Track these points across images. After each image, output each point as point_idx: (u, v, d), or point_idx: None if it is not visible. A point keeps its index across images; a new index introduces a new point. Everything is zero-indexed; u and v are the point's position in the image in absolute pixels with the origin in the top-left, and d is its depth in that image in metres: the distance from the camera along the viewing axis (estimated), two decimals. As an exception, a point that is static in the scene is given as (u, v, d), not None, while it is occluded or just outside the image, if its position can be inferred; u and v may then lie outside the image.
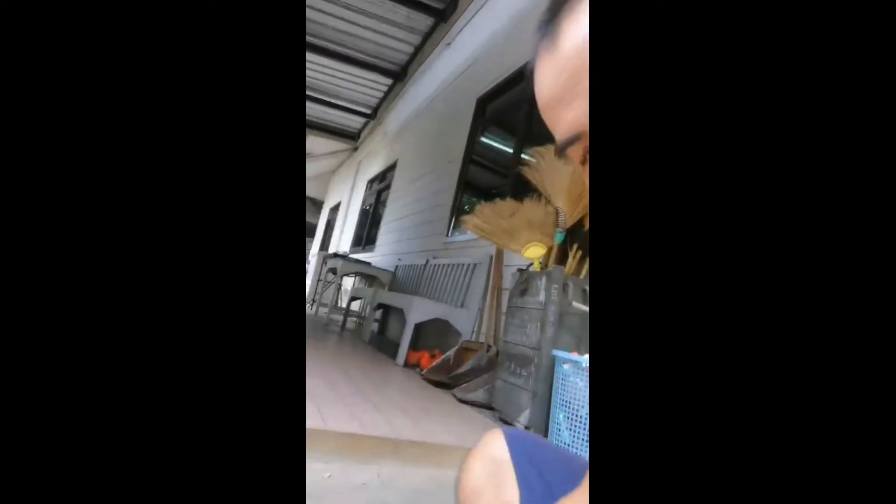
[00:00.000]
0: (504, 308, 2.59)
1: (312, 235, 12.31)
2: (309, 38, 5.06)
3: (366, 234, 7.18)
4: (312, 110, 7.12)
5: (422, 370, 2.90)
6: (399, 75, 5.79)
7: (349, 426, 1.50)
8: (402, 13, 4.77)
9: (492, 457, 0.49)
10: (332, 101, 6.72)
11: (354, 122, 7.58)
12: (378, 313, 4.46)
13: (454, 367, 2.69)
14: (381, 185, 7.01)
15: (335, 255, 5.63)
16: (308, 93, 6.45)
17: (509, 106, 3.94)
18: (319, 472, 1.34)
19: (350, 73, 5.92)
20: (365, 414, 1.70)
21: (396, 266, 5.05)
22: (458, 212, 4.09)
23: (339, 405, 1.72)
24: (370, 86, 6.17)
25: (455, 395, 2.36)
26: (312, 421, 1.46)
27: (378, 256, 5.99)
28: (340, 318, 5.11)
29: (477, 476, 0.48)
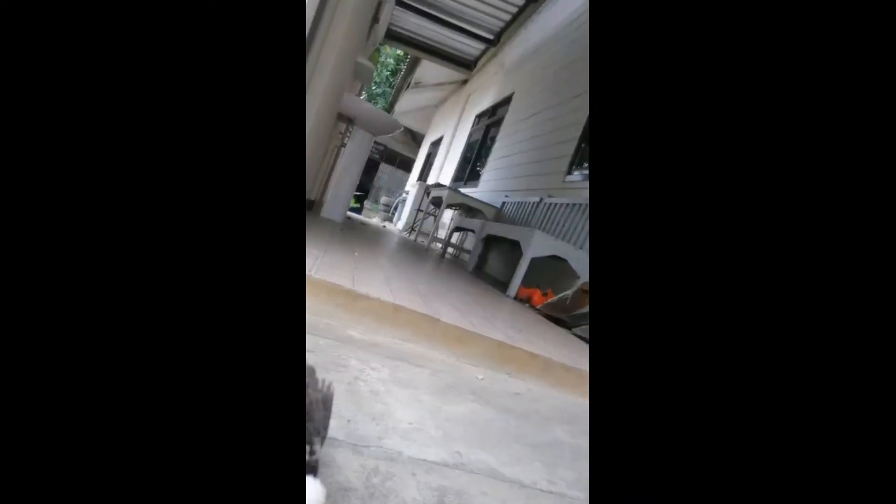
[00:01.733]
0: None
1: (409, 168, 12.45)
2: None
3: (469, 170, 7.07)
4: (431, 32, 6.90)
5: (533, 306, 2.82)
6: (530, -2, 5.35)
7: (493, 335, 1.46)
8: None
9: None
10: (454, 22, 6.42)
11: (473, 47, 7.25)
12: (480, 247, 4.42)
13: (571, 307, 2.58)
14: (490, 119, 6.77)
15: (439, 185, 5.60)
16: (430, 11, 6.21)
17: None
18: (472, 372, 1.32)
19: (479, -8, 5.58)
20: (497, 332, 1.65)
21: (503, 202, 4.92)
22: (581, 150, 3.81)
23: (463, 320, 1.69)
24: (498, 5, 5.78)
25: (577, 335, 2.26)
26: (453, 320, 1.43)
27: (481, 192, 5.87)
28: (439, 247, 5.15)
29: None
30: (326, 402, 0.55)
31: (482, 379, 1.30)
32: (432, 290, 1.93)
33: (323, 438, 0.54)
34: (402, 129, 4.56)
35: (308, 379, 0.52)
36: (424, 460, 0.74)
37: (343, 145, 3.83)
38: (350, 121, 3.73)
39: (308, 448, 0.52)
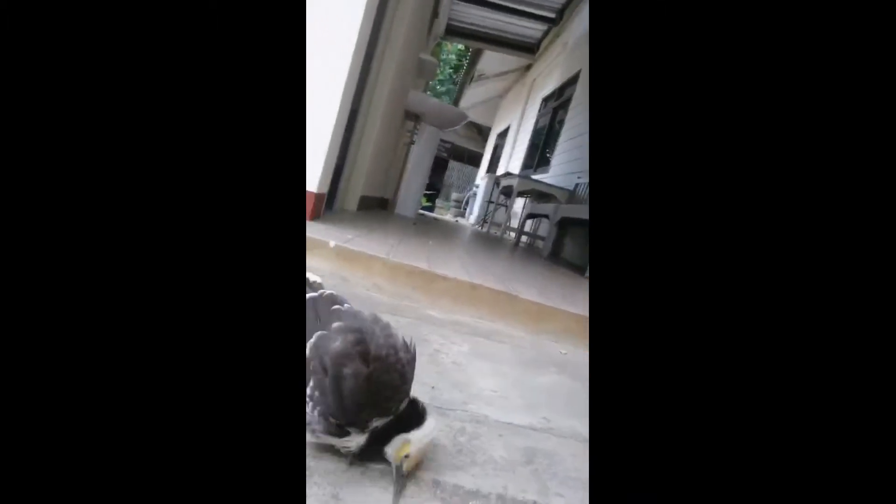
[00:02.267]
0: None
1: (477, 163, 12.43)
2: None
3: (539, 156, 6.91)
4: (491, 21, 6.83)
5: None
6: (591, -32, 5.10)
7: (573, 309, 1.41)
8: None
9: None
10: (513, 5, 6.30)
11: (535, 30, 7.06)
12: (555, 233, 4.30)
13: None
14: (557, 101, 6.57)
15: (508, 174, 5.53)
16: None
17: None
18: (553, 348, 1.29)
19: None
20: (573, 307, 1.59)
21: (576, 185, 4.75)
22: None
23: (541, 297, 1.65)
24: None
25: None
26: (531, 297, 1.40)
27: (553, 177, 5.72)
28: (513, 237, 5.09)
29: None
30: (412, 363, 0.56)
31: (565, 353, 1.26)
32: (508, 273, 1.92)
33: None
34: (468, 118, 4.56)
35: (392, 338, 0.54)
36: (511, 423, 0.74)
37: (412, 142, 3.91)
38: (417, 118, 3.79)
39: (413, 399, 0.56)
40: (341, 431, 0.51)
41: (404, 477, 0.51)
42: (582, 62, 5.77)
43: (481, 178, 9.73)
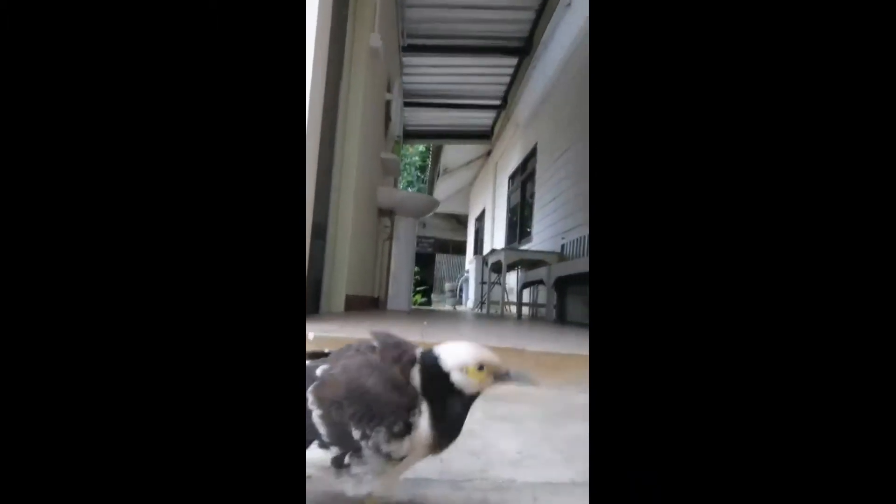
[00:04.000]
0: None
1: (463, 251, 12.60)
2: (423, 41, 5.15)
3: (519, 231, 7.01)
4: (441, 118, 7.31)
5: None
6: (523, 51, 5.59)
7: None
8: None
9: None
10: (461, 102, 6.80)
11: (485, 118, 7.57)
12: (555, 297, 4.18)
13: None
14: (523, 175, 6.83)
15: (494, 250, 5.53)
16: (436, 100, 6.62)
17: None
18: (580, 399, 1.12)
19: (473, 65, 5.91)
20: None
21: (562, 245, 4.75)
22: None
23: (552, 348, 1.50)
24: (496, 72, 6.08)
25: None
26: (541, 349, 1.25)
27: (537, 245, 5.74)
28: (513, 310, 4.95)
29: None
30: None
31: (595, 400, 1.09)
32: (513, 338, 1.77)
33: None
34: (439, 203, 4.64)
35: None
36: (547, 483, 0.57)
37: (391, 237, 3.92)
38: (391, 212, 3.84)
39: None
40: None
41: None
42: (536, 136, 6.10)
43: (469, 261, 9.78)
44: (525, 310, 5.09)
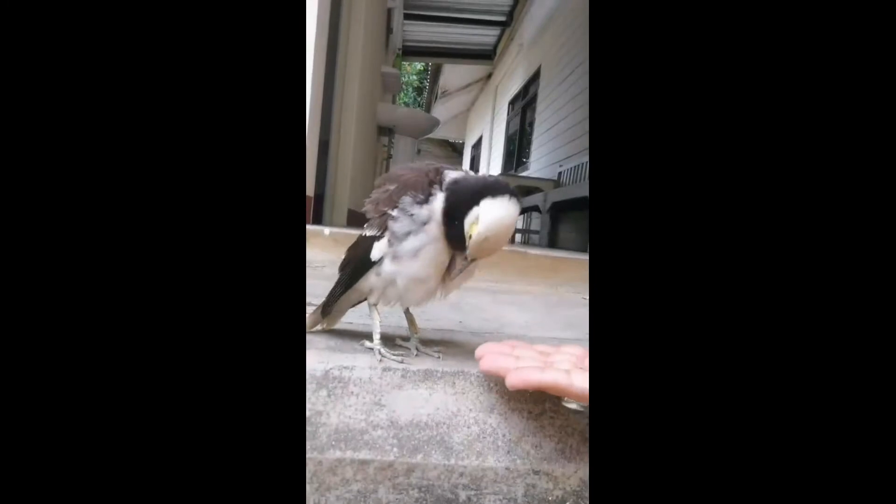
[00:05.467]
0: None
1: (457, 178, 12.45)
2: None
3: (516, 156, 6.95)
4: (442, 34, 6.95)
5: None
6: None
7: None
8: None
9: None
10: (463, 16, 6.42)
11: (489, 35, 7.19)
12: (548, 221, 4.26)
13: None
14: (524, 100, 6.65)
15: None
16: (436, 13, 6.26)
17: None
18: (574, 297, 1.22)
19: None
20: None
21: (559, 173, 4.76)
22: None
23: (551, 254, 1.59)
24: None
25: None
26: (541, 253, 1.34)
27: (535, 173, 5.73)
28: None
29: None
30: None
31: (586, 299, 1.20)
32: (508, 249, 1.86)
33: None
34: (440, 123, 4.56)
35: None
36: (553, 338, 0.67)
37: (389, 157, 3.90)
38: (390, 131, 3.79)
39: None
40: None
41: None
42: (541, 58, 5.86)
43: (464, 190, 9.71)
44: (517, 236, 5.20)
